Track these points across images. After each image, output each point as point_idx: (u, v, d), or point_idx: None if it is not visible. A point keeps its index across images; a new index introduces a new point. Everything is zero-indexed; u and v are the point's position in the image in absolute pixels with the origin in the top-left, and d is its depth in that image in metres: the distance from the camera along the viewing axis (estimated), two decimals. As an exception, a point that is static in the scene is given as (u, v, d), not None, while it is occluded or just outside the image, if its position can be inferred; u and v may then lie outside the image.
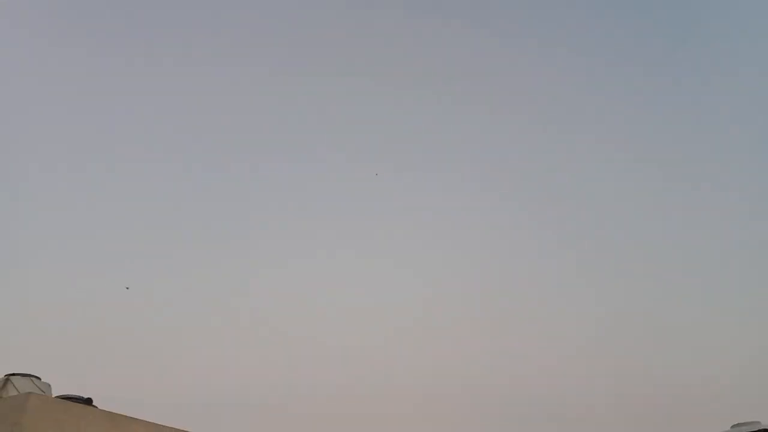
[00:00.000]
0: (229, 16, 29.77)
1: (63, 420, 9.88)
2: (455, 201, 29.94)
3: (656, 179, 29.87)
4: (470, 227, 29.74)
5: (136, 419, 10.88)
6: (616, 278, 28.36)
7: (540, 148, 30.49)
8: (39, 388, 10.67)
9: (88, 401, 10.83)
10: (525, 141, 30.56)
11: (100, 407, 10.80)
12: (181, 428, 11.58)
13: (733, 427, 13.19)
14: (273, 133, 30.22)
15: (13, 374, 10.77)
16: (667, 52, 30.40)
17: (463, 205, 29.93)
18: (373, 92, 29.69)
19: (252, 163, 29.65)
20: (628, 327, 26.80)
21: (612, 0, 31.16)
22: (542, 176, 30.63)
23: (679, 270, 27.91)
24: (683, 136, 29.73)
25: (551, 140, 30.26)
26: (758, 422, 12.93)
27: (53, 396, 10.75)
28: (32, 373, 10.92)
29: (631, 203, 30.20)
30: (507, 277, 28.53)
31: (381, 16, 30.54)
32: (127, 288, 21.18)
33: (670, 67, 30.31)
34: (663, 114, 30.32)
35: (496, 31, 30.71)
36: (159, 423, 11.21)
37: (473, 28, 30.57)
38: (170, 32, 29.28)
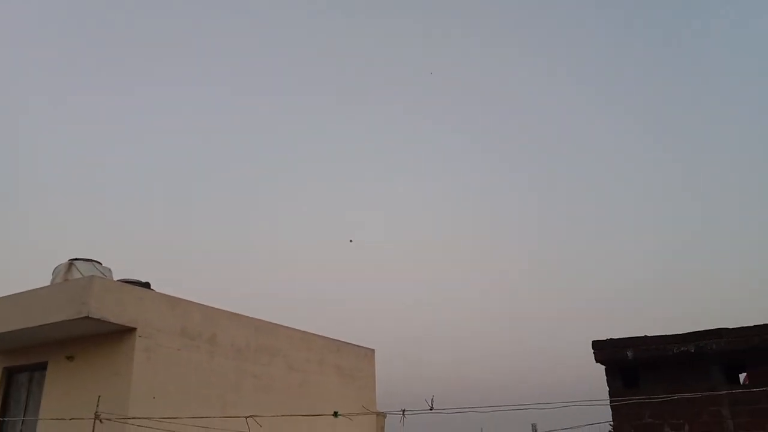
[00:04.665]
0: None
1: (125, 300, 10.53)
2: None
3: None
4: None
5: (193, 302, 11.53)
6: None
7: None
8: (101, 272, 11.31)
9: (147, 285, 11.47)
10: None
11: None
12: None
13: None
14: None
15: (77, 259, 11.43)
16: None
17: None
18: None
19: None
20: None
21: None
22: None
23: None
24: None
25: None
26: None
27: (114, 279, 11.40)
28: (94, 258, 11.57)
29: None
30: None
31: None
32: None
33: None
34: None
35: None
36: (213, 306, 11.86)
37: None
38: None
